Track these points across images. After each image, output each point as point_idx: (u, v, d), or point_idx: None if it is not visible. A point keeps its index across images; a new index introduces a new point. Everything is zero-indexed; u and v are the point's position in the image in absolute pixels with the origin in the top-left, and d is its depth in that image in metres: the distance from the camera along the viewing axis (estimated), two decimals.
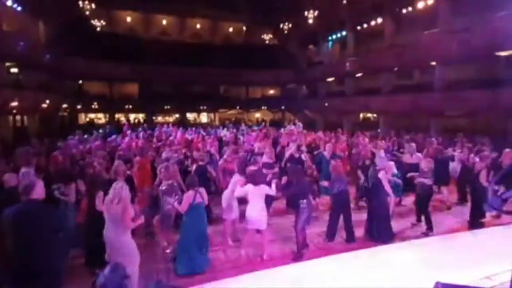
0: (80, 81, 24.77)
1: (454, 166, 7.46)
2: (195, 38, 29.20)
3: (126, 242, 3.63)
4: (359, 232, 5.67)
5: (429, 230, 5.70)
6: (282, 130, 16.01)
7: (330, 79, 24.13)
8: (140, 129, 15.59)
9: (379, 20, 18.97)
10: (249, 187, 4.80)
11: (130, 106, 25.39)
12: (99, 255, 3.73)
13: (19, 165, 6.08)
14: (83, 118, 26.00)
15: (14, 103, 14.36)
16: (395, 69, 18.07)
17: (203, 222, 4.58)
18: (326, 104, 22.91)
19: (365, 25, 20.32)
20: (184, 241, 4.44)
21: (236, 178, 5.40)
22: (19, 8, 16.03)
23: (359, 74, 20.79)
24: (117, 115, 26.17)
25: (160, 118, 27.35)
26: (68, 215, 4.48)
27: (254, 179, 4.86)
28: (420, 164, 6.25)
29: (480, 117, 14.51)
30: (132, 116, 27.02)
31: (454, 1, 14.20)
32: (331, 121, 23.45)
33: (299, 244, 4.93)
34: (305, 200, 4.92)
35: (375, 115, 22.02)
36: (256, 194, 4.75)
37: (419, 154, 7.29)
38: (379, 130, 18.21)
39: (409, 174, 6.41)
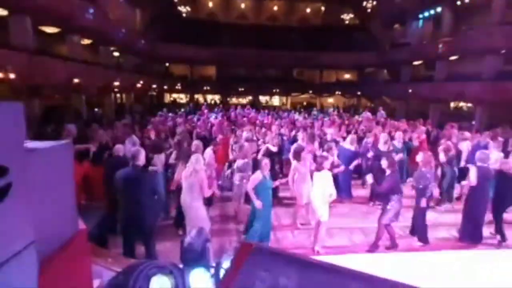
0: (167, 64, 27.25)
1: None
2: (272, 21, 29.16)
3: (198, 209, 4.15)
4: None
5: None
6: (356, 117, 15.18)
7: (417, 63, 21.66)
8: (216, 109, 16.60)
9: None
10: (315, 174, 4.74)
11: (208, 88, 27.05)
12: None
13: (120, 135, 7.17)
14: (168, 97, 28.76)
15: (116, 83, 16.66)
16: (503, 51, 15.24)
17: (269, 204, 4.64)
18: (410, 91, 20.73)
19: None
20: (257, 217, 4.60)
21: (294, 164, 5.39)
22: None
23: (454, 57, 18.16)
24: (196, 96, 28.25)
25: (234, 100, 28.56)
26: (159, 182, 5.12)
27: (319, 165, 4.73)
28: None
29: None
30: (209, 97, 28.81)
31: None
32: (414, 109, 21.25)
33: (378, 236, 4.71)
34: (395, 196, 4.58)
35: (469, 104, 19.16)
36: (317, 180, 4.63)
37: None
38: (473, 122, 15.86)
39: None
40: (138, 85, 20.08)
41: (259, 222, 4.45)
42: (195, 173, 4.12)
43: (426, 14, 20.98)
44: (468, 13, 17.90)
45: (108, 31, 15.72)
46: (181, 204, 4.35)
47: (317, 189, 4.63)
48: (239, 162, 5.52)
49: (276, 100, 30.18)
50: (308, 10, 29.75)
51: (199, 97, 28.58)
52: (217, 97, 28.63)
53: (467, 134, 7.71)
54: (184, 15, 26.64)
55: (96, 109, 15.59)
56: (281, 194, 6.56)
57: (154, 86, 23.94)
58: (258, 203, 4.40)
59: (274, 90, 27.89)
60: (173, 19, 24.72)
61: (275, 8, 29.35)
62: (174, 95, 29.00)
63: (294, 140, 8.20)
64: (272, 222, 4.85)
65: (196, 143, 5.96)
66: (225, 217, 5.85)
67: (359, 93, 26.96)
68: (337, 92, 28.25)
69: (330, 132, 8.85)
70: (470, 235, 4.91)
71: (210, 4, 29.20)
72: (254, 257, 0.61)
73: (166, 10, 23.81)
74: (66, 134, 5.57)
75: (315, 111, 18.52)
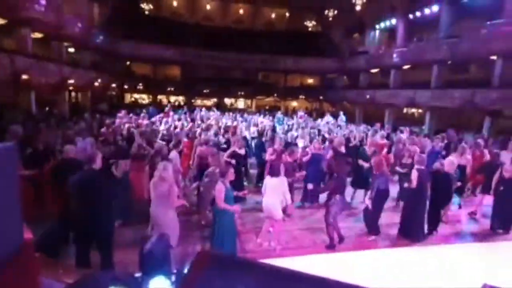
0: (128, 62, 26.09)
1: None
2: (237, 23, 29.24)
3: (169, 219, 3.88)
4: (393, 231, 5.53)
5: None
6: (319, 120, 15.71)
7: (374, 70, 23.02)
8: (180, 111, 16.22)
9: (435, 8, 17.57)
10: (267, 178, 4.91)
11: (172, 88, 26.34)
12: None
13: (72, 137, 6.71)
14: (129, 98, 27.53)
15: (71, 81, 15.61)
16: (449, 62, 16.76)
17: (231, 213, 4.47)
18: (368, 96, 21.97)
19: (418, 13, 18.95)
20: (216, 227, 4.46)
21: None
22: None
23: (407, 66, 19.59)
24: (159, 97, 27.37)
25: (199, 102, 28.10)
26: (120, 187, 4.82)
27: (272, 171, 4.94)
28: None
29: None
30: (172, 98, 28.07)
31: None
32: (371, 114, 22.52)
33: (330, 236, 4.93)
34: (338, 196, 4.87)
35: (420, 110, 20.75)
36: (271, 185, 4.77)
37: (469, 156, 6.73)
38: (423, 127, 17.19)
39: None
40: (96, 84, 18.98)
41: (223, 231, 4.29)
42: (163, 182, 3.86)
43: (382, 25, 22.43)
44: (419, 27, 19.44)
45: (61, 25, 14.69)
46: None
47: (269, 192, 4.74)
48: (209, 169, 5.37)
49: (241, 103, 30.24)
50: (273, 15, 30.29)
51: (162, 98, 27.73)
52: (181, 98, 27.99)
53: (415, 139, 8.35)
54: (146, 12, 25.76)
55: (55, 110, 14.44)
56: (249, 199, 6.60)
57: (114, 85, 22.77)
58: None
59: (239, 93, 27.93)
60: (135, 16, 23.78)
61: (241, 11, 29.49)
62: (136, 96, 27.82)
63: (260, 143, 8.29)
64: (237, 227, 4.79)
65: (159, 144, 5.78)
66: (188, 223, 5.71)
67: (321, 97, 27.94)
68: (301, 96, 29.03)
69: (293, 135, 9.10)
70: (411, 233, 5.26)
71: (174, 3, 28.56)
72: (211, 266, 0.60)
73: (127, 6, 22.84)
74: (11, 136, 5.09)
75: (280, 114, 18.85)
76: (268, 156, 6.39)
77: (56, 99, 16.61)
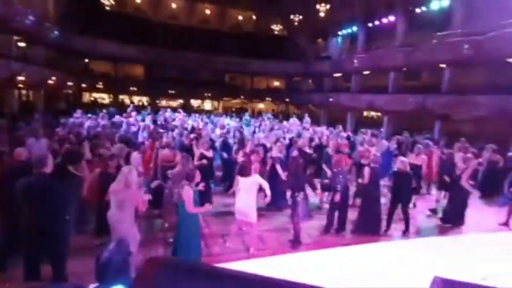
0: (86, 60, 24.63)
1: None
2: (204, 24, 28.91)
3: (128, 227, 3.65)
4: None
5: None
6: (284, 123, 15.98)
7: (337, 75, 23.96)
8: (143, 112, 15.62)
9: (391, 18, 18.73)
10: (237, 178, 4.80)
11: (135, 88, 25.31)
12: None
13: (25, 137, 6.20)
14: (87, 97, 25.98)
15: (21, 77, 14.40)
16: (404, 68, 17.94)
17: (196, 216, 4.34)
18: (331, 100, 22.82)
19: (376, 22, 20.08)
20: (180, 230, 4.28)
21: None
22: None
23: (366, 72, 20.65)
24: (121, 96, 26.14)
25: (164, 102, 27.28)
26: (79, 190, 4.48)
27: (241, 170, 4.82)
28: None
29: (488, 123, 14.39)
30: (136, 99, 26.98)
31: (469, 5, 13.98)
32: (334, 116, 23.41)
33: (297, 234, 5.02)
34: (301, 193, 5.00)
35: (379, 113, 21.97)
36: (243, 186, 4.68)
37: (424, 156, 7.23)
38: (381, 129, 18.18)
39: None
40: (50, 82, 17.69)
41: (187, 235, 4.17)
42: (127, 186, 3.60)
43: (344, 32, 23.45)
44: (377, 34, 20.60)
45: (9, 17, 13.52)
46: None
47: (242, 194, 4.67)
48: (174, 171, 5.20)
49: (208, 104, 29.89)
50: (240, 17, 30.35)
51: (124, 98, 26.51)
52: (145, 99, 26.99)
53: (374, 140, 8.84)
54: (107, 8, 24.54)
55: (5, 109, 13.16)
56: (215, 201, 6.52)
57: (70, 83, 21.38)
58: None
59: (206, 94, 27.58)
60: (94, 11, 22.54)
61: (208, 11, 29.19)
62: (95, 95, 26.33)
63: (225, 145, 8.26)
64: (202, 230, 4.69)
65: (118, 146, 5.54)
66: (150, 226, 5.53)
67: (287, 100, 28.50)
68: (267, 98, 29.38)
69: (257, 138, 9.18)
70: (368, 228, 5.54)
71: (138, 0, 27.54)
72: (161, 272, 0.58)
73: (86, 0, 21.59)
74: None
75: (247, 116, 18.90)
76: (239, 158, 6.50)
77: (4, 96, 15.25)
